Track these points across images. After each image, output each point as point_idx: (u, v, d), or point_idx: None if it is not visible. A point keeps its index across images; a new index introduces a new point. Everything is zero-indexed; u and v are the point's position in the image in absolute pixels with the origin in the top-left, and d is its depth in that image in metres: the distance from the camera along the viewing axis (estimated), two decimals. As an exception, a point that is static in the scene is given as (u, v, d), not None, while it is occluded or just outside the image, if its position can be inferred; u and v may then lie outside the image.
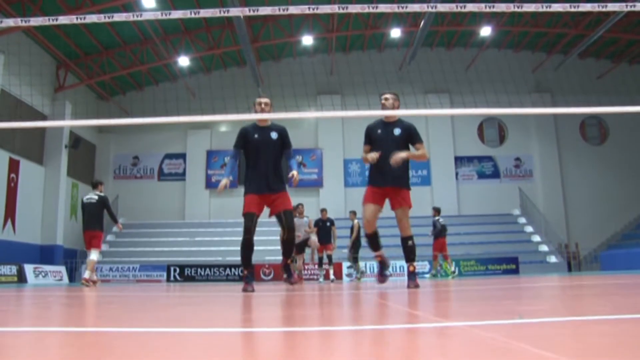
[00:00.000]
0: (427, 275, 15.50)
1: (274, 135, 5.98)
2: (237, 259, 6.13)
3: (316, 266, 14.57)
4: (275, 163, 5.97)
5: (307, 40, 23.19)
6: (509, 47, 25.93)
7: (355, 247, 13.60)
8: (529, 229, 23.50)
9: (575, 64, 25.55)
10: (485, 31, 23.02)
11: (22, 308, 3.93)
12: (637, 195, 25.03)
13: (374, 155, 5.79)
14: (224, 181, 5.93)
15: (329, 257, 13.51)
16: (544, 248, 22.19)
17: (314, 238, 12.71)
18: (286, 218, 5.97)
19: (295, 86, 22.29)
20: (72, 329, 2.18)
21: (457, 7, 5.05)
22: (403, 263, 6.17)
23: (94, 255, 10.20)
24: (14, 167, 18.98)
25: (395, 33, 23.24)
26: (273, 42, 23.51)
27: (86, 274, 10.05)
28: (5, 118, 16.49)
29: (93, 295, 5.80)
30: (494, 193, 25.27)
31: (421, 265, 16.62)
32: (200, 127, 25.55)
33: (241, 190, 6.10)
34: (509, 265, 20.12)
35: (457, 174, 25.62)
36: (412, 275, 5.86)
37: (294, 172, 5.91)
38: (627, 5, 9.30)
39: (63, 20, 5.24)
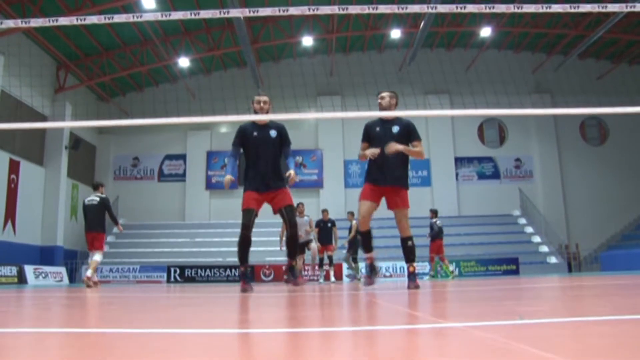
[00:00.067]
0: (427, 277, 15.50)
1: (273, 133, 5.99)
2: (237, 259, 6.08)
3: (317, 267, 14.56)
4: (274, 161, 5.98)
5: (307, 41, 23.20)
6: (509, 47, 25.94)
7: (354, 247, 13.61)
8: (529, 229, 23.49)
9: (575, 65, 25.56)
10: (485, 32, 23.03)
11: (23, 309, 3.93)
12: (637, 195, 25.03)
13: (374, 151, 5.76)
14: (228, 177, 5.90)
15: (330, 258, 13.50)
16: (544, 249, 22.19)
17: (314, 245, 12.71)
18: (287, 213, 5.97)
19: (296, 87, 22.29)
20: (72, 329, 2.18)
21: (457, 7, 5.05)
22: (403, 264, 6.13)
23: (97, 256, 10.28)
24: (14, 168, 18.98)
25: (395, 34, 23.25)
26: (273, 43, 23.53)
27: (88, 272, 10.08)
28: (6, 119, 16.50)
29: (93, 296, 5.80)
30: (494, 194, 25.27)
31: (421, 266, 16.62)
32: (200, 128, 25.56)
33: (241, 191, 6.10)
34: (509, 266, 20.12)
35: (457, 174, 25.62)
36: (412, 276, 5.85)
37: (291, 172, 5.90)
38: (627, 6, 9.31)
39: (63, 21, 5.25)
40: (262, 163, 5.91)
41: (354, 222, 13.43)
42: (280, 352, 1.49)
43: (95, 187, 10.74)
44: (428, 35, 22.16)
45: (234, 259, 6.04)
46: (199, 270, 19.99)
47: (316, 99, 25.36)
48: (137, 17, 5.00)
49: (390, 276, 19.55)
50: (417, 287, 5.61)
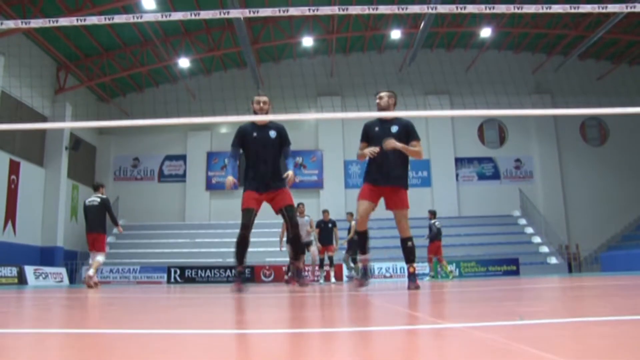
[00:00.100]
0: (427, 278, 15.52)
1: (272, 134, 5.97)
2: (246, 254, 6.06)
3: (317, 268, 14.56)
4: (274, 161, 5.96)
5: (307, 41, 23.21)
6: (509, 48, 25.95)
7: (353, 248, 13.61)
8: (529, 230, 23.49)
9: (575, 65, 25.56)
10: (485, 32, 23.03)
11: (23, 310, 3.93)
12: (638, 196, 25.03)
13: (373, 149, 5.74)
14: (230, 178, 5.89)
15: (330, 259, 13.50)
16: (544, 249, 22.19)
17: (314, 249, 12.71)
18: (288, 213, 5.96)
19: (296, 88, 22.30)
20: (72, 330, 2.18)
21: (457, 8, 5.05)
22: (403, 264, 6.11)
23: (100, 257, 10.34)
24: (14, 168, 18.99)
25: (396, 34, 23.25)
26: (273, 44, 23.54)
27: (90, 272, 10.10)
28: (6, 120, 16.50)
29: (93, 297, 5.80)
30: (494, 194, 25.27)
31: (421, 267, 16.62)
32: (200, 128, 25.56)
33: (242, 191, 6.09)
34: (510, 267, 20.12)
35: (457, 175, 25.62)
36: (413, 277, 5.85)
37: (289, 172, 5.88)
38: (627, 7, 9.30)
39: (63, 22, 5.25)
40: (262, 163, 5.90)
41: (353, 222, 13.44)
42: (280, 352, 1.49)
43: (96, 187, 10.76)
44: (428, 36, 22.17)
45: (234, 257, 6.01)
46: (199, 271, 19.99)
47: (316, 100, 25.36)
48: (137, 18, 5.01)
49: (391, 277, 19.55)
50: (417, 287, 5.61)
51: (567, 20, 22.11)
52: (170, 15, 4.92)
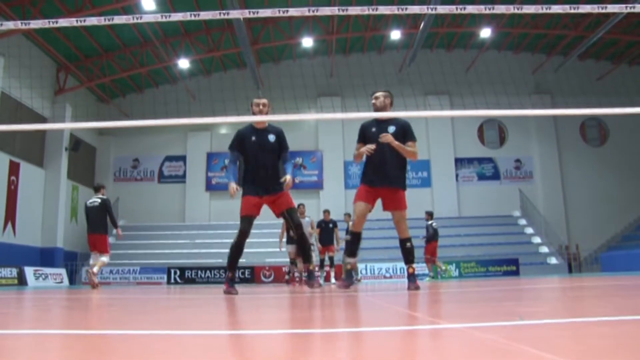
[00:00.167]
0: (427, 278, 15.52)
1: (271, 138, 5.90)
2: (238, 261, 6.06)
3: (317, 268, 14.55)
4: (273, 166, 5.91)
5: (307, 42, 23.21)
6: (509, 48, 25.96)
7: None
8: (529, 230, 23.49)
9: (575, 66, 25.57)
10: (485, 33, 23.04)
11: (23, 310, 3.93)
12: (638, 196, 25.03)
13: (370, 147, 5.71)
14: (233, 185, 5.86)
15: (331, 259, 13.49)
16: (544, 249, 22.19)
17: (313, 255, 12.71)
18: (290, 215, 5.92)
19: (295, 88, 22.31)
20: (72, 331, 2.18)
21: (457, 8, 5.05)
22: (403, 265, 6.09)
23: (104, 258, 10.46)
24: (14, 169, 18.99)
25: (395, 35, 23.26)
26: (273, 44, 23.54)
27: (95, 268, 10.17)
28: (6, 121, 16.52)
29: (93, 298, 5.80)
30: (494, 194, 25.27)
31: (421, 267, 16.62)
32: (200, 129, 25.56)
33: (241, 192, 6.07)
34: (510, 267, 20.13)
35: (457, 175, 25.62)
36: (412, 277, 5.84)
37: (287, 177, 5.81)
38: (626, 7, 9.31)
39: (63, 22, 5.25)
40: (261, 168, 5.84)
41: (351, 223, 13.41)
42: (280, 353, 1.49)
43: (97, 188, 10.81)
44: (428, 36, 22.17)
45: (226, 262, 6.01)
46: (199, 272, 19.99)
47: (316, 100, 25.37)
48: (137, 19, 5.01)
49: (391, 277, 19.55)
50: (417, 288, 5.61)
51: (567, 21, 22.12)
52: (170, 16, 4.92)
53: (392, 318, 2.55)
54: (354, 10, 4.95)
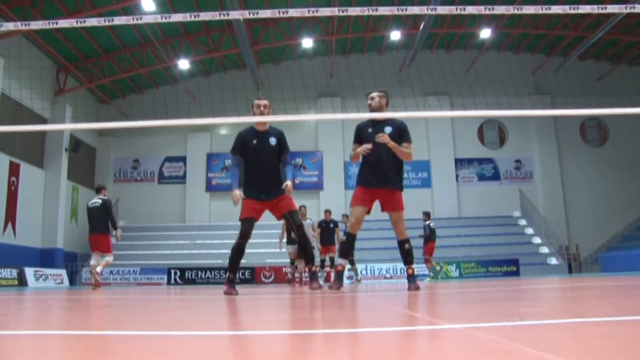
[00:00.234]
0: (427, 279, 15.52)
1: (272, 141, 5.84)
2: (239, 263, 6.06)
3: (317, 268, 14.54)
4: (274, 169, 5.85)
5: (307, 43, 23.22)
6: (509, 49, 25.97)
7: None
8: (530, 230, 23.49)
9: (575, 66, 25.58)
10: (485, 33, 23.05)
11: (23, 311, 3.93)
12: (638, 196, 25.03)
13: (366, 146, 5.67)
14: (236, 192, 5.77)
15: (332, 260, 13.48)
16: (544, 250, 22.19)
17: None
18: (292, 217, 5.88)
19: (295, 89, 22.32)
20: (72, 332, 2.18)
21: (456, 9, 5.06)
22: (403, 265, 6.07)
23: (108, 258, 10.60)
24: (14, 170, 18.99)
25: (395, 35, 23.26)
26: (273, 45, 23.56)
27: (98, 268, 10.29)
28: (6, 121, 16.52)
29: (93, 299, 5.80)
30: (494, 195, 25.27)
31: (421, 268, 16.62)
32: (200, 130, 25.57)
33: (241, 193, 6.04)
34: (510, 267, 20.12)
35: (457, 176, 25.63)
36: (412, 278, 5.83)
37: (288, 183, 5.74)
38: (626, 7, 9.31)
39: (63, 23, 5.26)
40: (262, 171, 5.79)
41: (348, 224, 13.38)
42: (280, 353, 1.49)
43: (98, 189, 10.89)
44: (428, 37, 22.18)
45: (227, 263, 5.99)
46: (199, 272, 19.99)
47: (316, 101, 25.39)
48: (137, 20, 5.01)
49: (391, 277, 19.55)
50: (417, 288, 5.61)
51: (567, 21, 22.13)
52: (169, 16, 4.92)
53: (393, 318, 2.55)
54: (353, 11, 4.96)
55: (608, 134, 26.42)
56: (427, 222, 14.81)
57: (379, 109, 5.89)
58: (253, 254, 19.16)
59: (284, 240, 12.72)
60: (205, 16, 5.21)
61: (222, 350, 1.55)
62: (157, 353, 1.48)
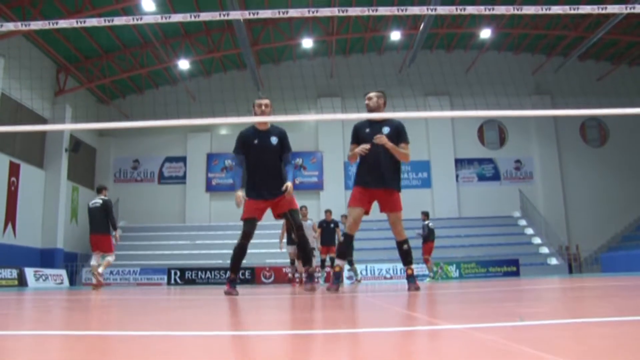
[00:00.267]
0: (427, 279, 15.52)
1: (274, 140, 5.81)
2: (241, 263, 6.04)
3: (318, 269, 14.55)
4: (275, 168, 5.81)
5: (307, 43, 23.22)
6: (509, 49, 25.97)
7: (348, 250, 13.53)
8: (530, 231, 23.50)
9: (575, 66, 25.58)
10: (485, 33, 23.05)
11: (23, 311, 3.92)
12: (638, 197, 25.03)
13: (364, 146, 5.64)
14: (240, 194, 5.69)
15: (332, 260, 13.47)
16: (544, 250, 22.19)
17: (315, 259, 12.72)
18: (292, 216, 5.84)
19: (296, 89, 22.33)
20: (72, 332, 2.18)
21: (456, 9, 5.06)
22: (403, 266, 6.06)
23: (110, 257, 10.67)
24: (14, 170, 18.99)
25: (395, 36, 23.26)
26: (273, 45, 23.56)
27: (100, 269, 10.39)
28: (6, 122, 16.53)
29: (93, 299, 5.80)
30: (494, 195, 25.28)
31: (421, 268, 16.62)
32: (200, 130, 25.58)
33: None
34: (510, 268, 20.12)
35: (457, 176, 25.63)
36: (412, 278, 5.83)
37: (288, 184, 5.70)
38: (626, 7, 9.30)
39: (63, 24, 5.25)
40: (264, 170, 5.76)
41: (347, 224, 13.36)
42: (280, 354, 1.48)
43: (99, 190, 10.95)
44: (428, 37, 22.18)
45: (229, 264, 5.97)
46: (200, 273, 19.99)
47: (316, 101, 25.40)
48: (137, 20, 5.01)
49: (391, 278, 19.55)
50: (417, 288, 5.61)
51: (567, 21, 22.12)
52: (169, 17, 4.91)
53: (393, 319, 2.55)
54: (353, 11, 4.96)
55: (608, 134, 26.42)
56: (426, 222, 14.80)
57: (376, 109, 5.85)
58: (253, 254, 19.12)
59: (284, 240, 12.72)
60: (205, 16, 5.21)
61: (222, 350, 1.55)
62: (157, 353, 1.48)
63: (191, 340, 1.76)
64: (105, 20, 4.94)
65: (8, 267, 16.69)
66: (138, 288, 15.11)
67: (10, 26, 5.10)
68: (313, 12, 4.96)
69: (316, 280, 13.32)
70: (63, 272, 19.76)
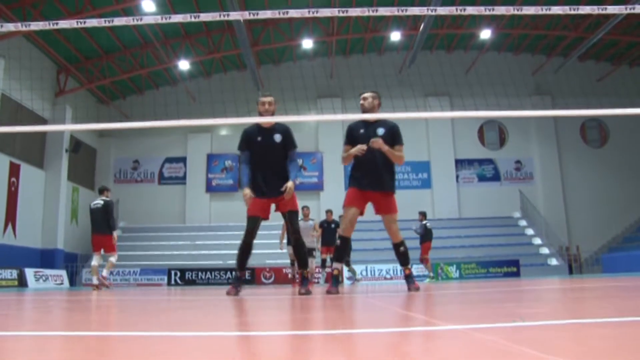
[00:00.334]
0: (427, 279, 15.51)
1: (277, 137, 5.74)
2: (234, 262, 6.02)
3: (318, 269, 14.55)
4: (278, 165, 5.75)
5: (307, 43, 23.22)
6: (509, 49, 25.97)
7: (347, 251, 13.53)
8: (530, 231, 23.49)
9: (575, 67, 25.58)
10: (485, 34, 23.05)
11: (23, 312, 3.92)
12: (638, 197, 25.03)
13: (361, 147, 5.58)
14: (247, 192, 5.65)
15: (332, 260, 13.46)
16: (544, 251, 22.18)
17: (316, 261, 12.75)
18: (290, 219, 5.80)
19: (296, 90, 22.31)
20: (72, 333, 2.18)
21: (457, 10, 5.06)
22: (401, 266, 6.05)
23: (112, 258, 10.81)
24: (14, 171, 19.00)
25: (395, 36, 23.26)
26: (273, 46, 23.57)
27: (104, 272, 10.47)
28: (6, 122, 16.51)
29: (94, 299, 5.80)
30: (494, 196, 25.27)
31: (421, 268, 16.61)
32: (200, 130, 25.58)
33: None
34: (510, 268, 20.11)
35: (457, 176, 25.63)
36: (410, 278, 5.83)
37: (288, 184, 5.63)
38: (626, 8, 9.30)
39: (63, 24, 5.26)
40: (267, 168, 5.71)
41: (342, 227, 13.35)
42: (280, 354, 1.48)
43: (101, 191, 11.08)
44: (428, 38, 22.18)
45: (235, 262, 5.95)
46: (200, 273, 19.98)
47: (316, 102, 25.40)
48: (137, 20, 5.01)
49: (391, 278, 19.55)
50: (417, 289, 5.61)
51: (567, 22, 22.12)
52: (170, 17, 4.91)
53: (393, 319, 2.55)
54: (354, 12, 4.96)
55: (608, 134, 26.42)
56: (424, 222, 14.79)
57: (371, 109, 5.78)
58: (253, 255, 19.09)
59: (284, 240, 12.71)
60: (205, 17, 5.21)
61: (222, 350, 1.55)
62: (156, 353, 1.48)
63: (191, 341, 1.76)
64: (105, 21, 4.94)
65: (8, 268, 16.69)
66: (138, 289, 15.11)
67: (10, 27, 5.10)
68: (313, 13, 4.97)
69: (315, 281, 13.32)
70: (63, 273, 19.76)
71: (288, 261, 14.19)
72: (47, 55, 20.54)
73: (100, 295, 7.11)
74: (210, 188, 25.41)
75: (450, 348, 1.48)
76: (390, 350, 1.46)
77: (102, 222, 10.57)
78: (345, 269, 17.73)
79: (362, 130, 5.77)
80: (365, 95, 5.84)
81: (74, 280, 20.70)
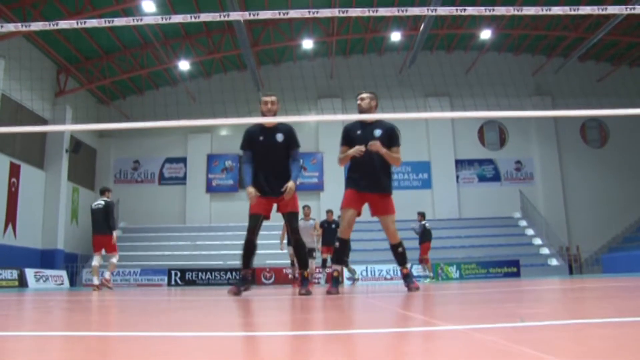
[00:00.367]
0: (427, 280, 15.50)
1: (279, 137, 5.71)
2: (239, 262, 6.02)
3: (319, 269, 14.55)
4: (281, 165, 5.72)
5: (308, 44, 23.23)
6: (509, 50, 25.97)
7: (346, 251, 13.52)
8: (530, 232, 23.49)
9: (575, 67, 25.57)
10: (485, 34, 23.04)
11: (23, 312, 3.92)
12: (638, 197, 25.02)
13: (359, 148, 5.54)
14: (251, 190, 5.64)
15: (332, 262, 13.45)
16: (545, 251, 22.18)
17: (315, 262, 12.73)
18: (290, 220, 5.80)
19: (296, 90, 22.31)
20: (73, 333, 2.18)
21: (457, 10, 5.06)
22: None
23: (113, 259, 10.88)
24: (14, 171, 19.00)
25: (396, 36, 23.26)
26: (273, 46, 23.57)
27: (107, 274, 10.58)
28: (6, 122, 16.53)
29: (94, 300, 5.80)
30: (494, 196, 25.27)
31: (419, 269, 16.61)
32: (200, 131, 25.58)
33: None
34: (510, 269, 20.11)
35: (457, 177, 25.62)
36: (409, 279, 5.82)
37: (288, 185, 5.60)
38: (626, 8, 9.30)
39: (63, 24, 5.26)
40: (269, 168, 5.70)
41: (340, 229, 13.33)
42: (280, 354, 1.48)
43: (102, 192, 11.16)
44: (428, 38, 22.18)
45: (235, 262, 5.97)
46: (200, 274, 19.97)
47: (316, 102, 25.40)
48: (137, 21, 5.01)
49: (391, 279, 19.54)
50: (417, 289, 5.61)
51: (567, 22, 22.12)
52: (170, 17, 4.91)
53: (393, 320, 2.55)
54: (354, 12, 4.96)
55: (608, 135, 26.42)
56: (423, 222, 14.78)
57: (368, 110, 5.75)
58: (253, 255, 19.18)
59: (285, 241, 12.71)
60: (205, 17, 5.21)
61: (222, 351, 1.55)
62: (157, 353, 1.48)
63: (191, 341, 1.76)
64: (105, 21, 4.94)
65: (8, 268, 16.69)
66: (138, 289, 15.11)
67: (10, 27, 5.10)
68: (313, 13, 4.97)
69: (315, 281, 13.30)
70: (63, 273, 19.76)
71: (288, 261, 14.19)
72: (47, 56, 20.54)
73: (100, 296, 7.11)
74: (210, 188, 25.41)
75: (450, 348, 1.48)
76: (390, 351, 1.46)
77: (103, 222, 10.65)
78: (345, 268, 17.71)
79: (359, 132, 5.74)
80: (363, 95, 5.81)
81: (74, 280, 20.70)
